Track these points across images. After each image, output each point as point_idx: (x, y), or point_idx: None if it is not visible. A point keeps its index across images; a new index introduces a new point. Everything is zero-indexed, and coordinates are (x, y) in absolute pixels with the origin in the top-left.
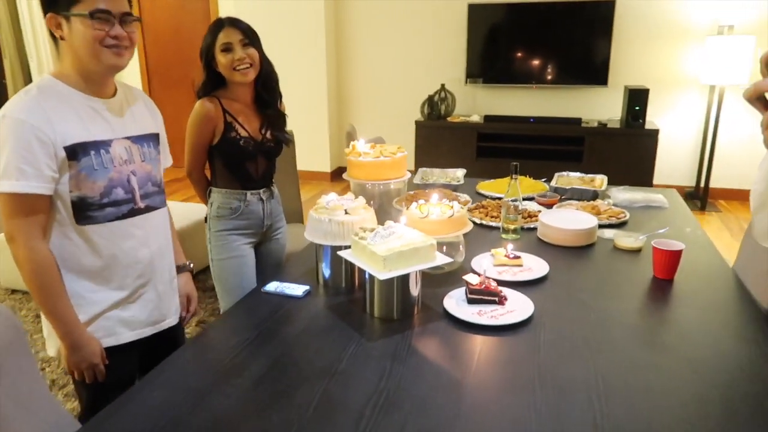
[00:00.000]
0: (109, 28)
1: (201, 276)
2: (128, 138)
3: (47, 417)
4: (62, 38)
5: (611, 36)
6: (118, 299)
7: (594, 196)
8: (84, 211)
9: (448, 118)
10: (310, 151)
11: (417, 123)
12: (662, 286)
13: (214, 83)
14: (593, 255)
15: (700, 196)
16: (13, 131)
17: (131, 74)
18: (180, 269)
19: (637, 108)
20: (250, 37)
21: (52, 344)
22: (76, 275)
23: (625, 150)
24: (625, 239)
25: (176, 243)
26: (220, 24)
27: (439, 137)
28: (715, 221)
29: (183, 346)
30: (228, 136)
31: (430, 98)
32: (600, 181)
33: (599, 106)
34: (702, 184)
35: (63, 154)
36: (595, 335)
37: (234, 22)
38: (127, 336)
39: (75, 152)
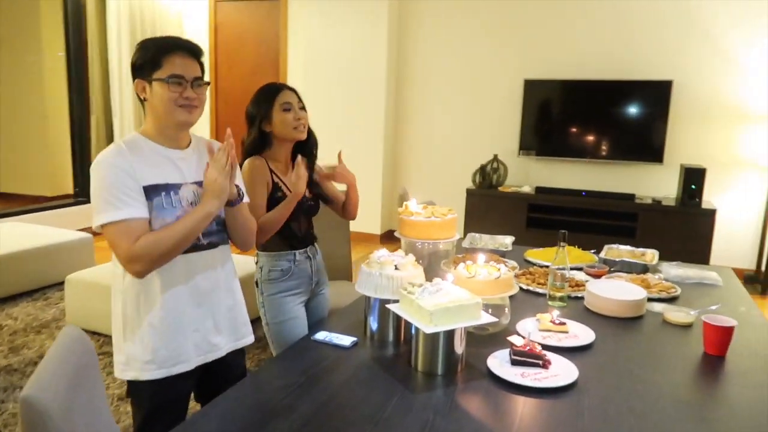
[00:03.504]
0: (182, 91)
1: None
2: (196, 183)
3: None
4: (145, 99)
5: (668, 115)
6: (178, 327)
7: (644, 269)
8: None
9: (500, 188)
10: (362, 213)
11: (468, 191)
12: (713, 362)
13: (262, 143)
14: (641, 327)
15: (761, 280)
16: (108, 172)
17: (202, 129)
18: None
19: (693, 187)
20: (303, 102)
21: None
22: (149, 309)
23: (680, 228)
24: (676, 313)
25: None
26: (279, 87)
27: (490, 206)
28: None
29: (238, 383)
30: (275, 196)
31: (483, 167)
32: (651, 255)
33: (654, 184)
34: (763, 268)
35: (143, 192)
36: (641, 405)
37: (290, 87)
38: (183, 366)
39: (149, 192)
